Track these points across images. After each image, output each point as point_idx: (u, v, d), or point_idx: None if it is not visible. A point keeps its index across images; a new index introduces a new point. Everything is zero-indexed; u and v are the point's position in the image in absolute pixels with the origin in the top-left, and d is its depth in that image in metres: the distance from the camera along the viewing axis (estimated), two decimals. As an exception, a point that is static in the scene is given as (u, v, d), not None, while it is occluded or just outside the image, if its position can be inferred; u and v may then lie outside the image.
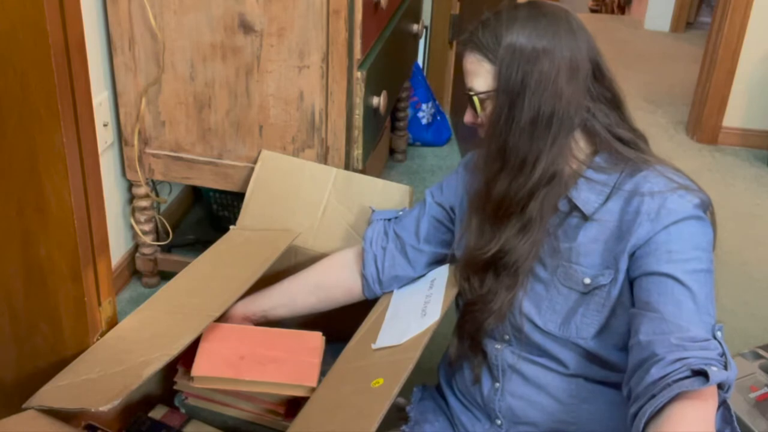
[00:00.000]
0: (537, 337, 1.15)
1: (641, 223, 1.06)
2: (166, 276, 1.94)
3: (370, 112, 1.74)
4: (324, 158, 1.72)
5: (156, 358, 1.16)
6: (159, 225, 1.99)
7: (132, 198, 1.90)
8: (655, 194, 1.06)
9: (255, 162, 1.73)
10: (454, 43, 2.98)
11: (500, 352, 1.20)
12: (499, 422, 1.21)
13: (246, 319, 1.44)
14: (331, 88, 1.65)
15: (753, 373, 1.57)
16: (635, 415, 0.94)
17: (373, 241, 1.39)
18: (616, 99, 1.13)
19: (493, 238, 1.14)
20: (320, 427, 1.09)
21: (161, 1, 1.64)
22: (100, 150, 1.36)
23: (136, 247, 1.99)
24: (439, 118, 2.89)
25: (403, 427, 1.27)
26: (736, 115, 3.05)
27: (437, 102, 2.91)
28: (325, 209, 1.63)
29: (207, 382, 1.27)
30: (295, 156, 1.73)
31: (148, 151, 1.81)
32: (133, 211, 1.91)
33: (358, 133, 1.70)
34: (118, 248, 1.95)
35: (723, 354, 0.96)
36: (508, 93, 1.08)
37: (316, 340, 1.35)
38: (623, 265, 1.07)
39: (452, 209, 1.33)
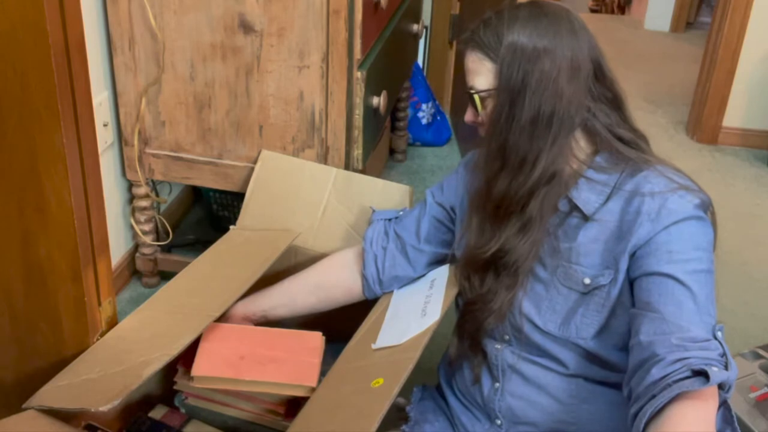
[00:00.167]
0: (537, 337, 1.15)
1: (642, 223, 1.05)
2: (166, 276, 1.94)
3: (370, 112, 1.74)
4: (324, 158, 1.72)
5: (156, 358, 1.16)
6: (159, 225, 1.99)
7: (132, 198, 1.90)
8: (655, 194, 1.06)
9: (255, 162, 1.73)
10: (454, 43, 2.98)
11: (500, 352, 1.20)
12: (498, 422, 1.21)
13: (246, 319, 1.44)
14: (331, 88, 1.65)
15: (753, 373, 1.57)
16: (635, 415, 0.94)
17: (373, 241, 1.39)
18: (617, 99, 1.13)
19: (493, 238, 1.14)
20: (320, 427, 1.09)
21: (161, 1, 1.64)
22: (100, 150, 1.36)
23: (136, 247, 1.99)
24: (439, 118, 2.89)
25: (403, 427, 1.27)
26: (736, 115, 3.05)
27: (437, 102, 2.91)
28: (325, 209, 1.63)
29: (207, 382, 1.27)
30: (295, 156, 1.73)
31: (148, 151, 1.81)
32: (133, 211, 1.91)
33: (358, 133, 1.70)
34: (118, 248, 1.95)
35: (723, 354, 0.96)
36: (508, 92, 1.08)
37: (316, 340, 1.35)
38: (623, 265, 1.07)
39: (452, 209, 1.33)
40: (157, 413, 1.35)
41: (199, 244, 2.03)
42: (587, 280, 1.10)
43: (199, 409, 1.35)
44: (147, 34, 1.68)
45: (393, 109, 2.57)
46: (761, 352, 1.64)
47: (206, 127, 1.75)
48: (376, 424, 0.99)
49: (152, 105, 1.75)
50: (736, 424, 1.10)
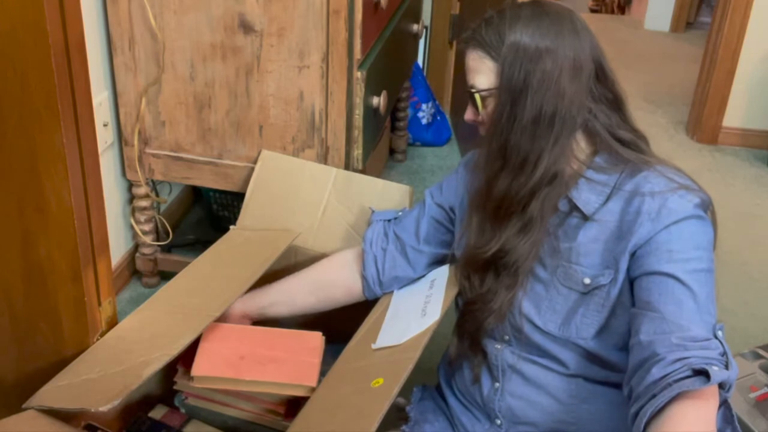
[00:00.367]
0: (537, 338, 1.15)
1: (642, 222, 1.05)
2: (166, 276, 1.94)
3: (370, 112, 1.74)
4: (324, 158, 1.72)
5: (156, 358, 1.16)
6: (159, 225, 1.99)
7: (132, 198, 1.90)
8: (655, 194, 1.06)
9: (255, 162, 1.73)
10: (454, 43, 2.98)
11: (500, 352, 1.20)
12: (498, 422, 1.21)
13: (245, 316, 1.43)
14: (331, 88, 1.65)
15: (753, 373, 1.57)
16: (636, 414, 0.94)
17: (373, 242, 1.39)
18: (617, 100, 1.13)
19: (494, 238, 1.14)
20: (320, 427, 1.09)
21: (161, 1, 1.64)
22: (100, 150, 1.36)
23: (136, 247, 1.99)
24: (439, 118, 2.89)
25: (403, 427, 1.27)
26: (736, 115, 3.05)
27: (437, 102, 2.91)
28: (325, 209, 1.63)
29: (207, 381, 1.27)
30: (295, 156, 1.73)
31: (148, 151, 1.81)
32: (133, 211, 1.91)
33: (358, 133, 1.70)
34: (118, 248, 1.95)
35: (724, 353, 0.96)
36: (510, 91, 1.08)
37: (316, 340, 1.35)
38: (623, 265, 1.07)
39: (452, 209, 1.32)
40: (157, 413, 1.35)
41: (199, 244, 2.03)
42: (587, 280, 1.10)
43: (199, 409, 1.35)
44: (147, 34, 1.68)
45: (393, 109, 2.57)
46: (761, 352, 1.64)
47: (206, 127, 1.75)
48: (375, 424, 0.99)
49: (152, 105, 1.75)
50: (737, 423, 1.10)
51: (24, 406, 1.16)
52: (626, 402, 0.99)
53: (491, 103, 1.12)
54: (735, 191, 2.76)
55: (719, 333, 0.99)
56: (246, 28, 1.63)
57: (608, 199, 1.10)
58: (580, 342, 1.12)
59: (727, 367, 0.94)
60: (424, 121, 2.84)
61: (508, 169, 1.10)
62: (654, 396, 0.92)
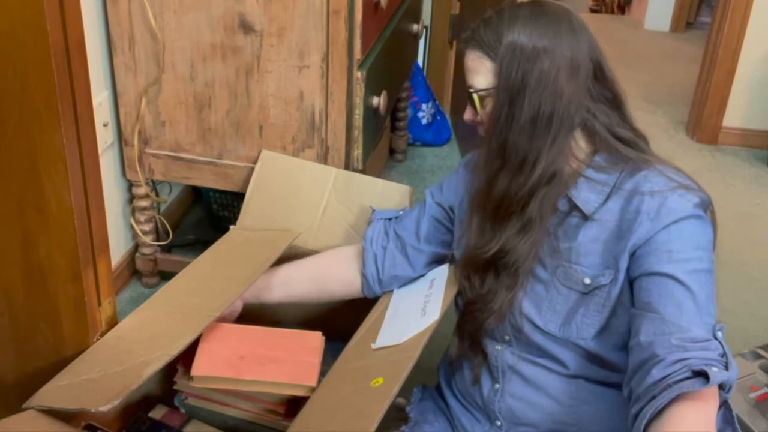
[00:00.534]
0: (537, 338, 1.15)
1: (641, 222, 1.05)
2: (166, 276, 1.94)
3: (370, 112, 1.74)
4: (324, 158, 1.72)
5: (156, 358, 1.16)
6: (159, 225, 1.99)
7: (132, 198, 1.90)
8: (655, 193, 1.06)
9: (255, 162, 1.73)
10: (454, 43, 2.98)
11: (500, 352, 1.20)
12: (498, 423, 1.21)
13: (239, 298, 1.41)
14: (331, 88, 1.65)
15: (753, 373, 1.57)
16: (636, 416, 0.94)
17: (373, 240, 1.39)
18: (616, 99, 1.13)
19: (494, 238, 1.14)
20: (320, 427, 1.09)
21: (161, 1, 1.64)
22: (100, 150, 1.36)
23: (136, 247, 1.99)
24: (439, 118, 2.89)
25: (403, 428, 1.27)
26: (736, 115, 3.05)
27: (437, 102, 2.91)
28: (325, 209, 1.63)
29: (207, 381, 1.27)
30: (295, 156, 1.73)
31: (148, 151, 1.81)
32: (133, 211, 1.91)
33: (358, 133, 1.70)
34: (118, 248, 1.95)
35: (724, 354, 0.96)
36: (508, 91, 1.08)
37: (316, 340, 1.35)
38: (623, 264, 1.07)
39: (452, 209, 1.33)
40: (157, 413, 1.35)
41: (199, 244, 2.03)
42: (587, 280, 1.10)
43: (199, 409, 1.35)
44: (147, 34, 1.68)
45: (393, 109, 2.57)
46: (761, 352, 1.64)
47: (206, 127, 1.75)
48: (375, 424, 0.99)
49: (152, 105, 1.75)
50: (737, 423, 1.10)
51: (24, 406, 1.16)
52: (626, 403, 0.99)
53: (490, 103, 1.12)
54: (735, 191, 2.76)
55: (719, 334, 0.99)
56: (246, 28, 1.63)
57: (608, 198, 1.10)
58: (580, 342, 1.12)
59: (726, 367, 0.94)
60: (424, 121, 2.84)
61: (507, 169, 1.10)
62: (654, 397, 0.92)
